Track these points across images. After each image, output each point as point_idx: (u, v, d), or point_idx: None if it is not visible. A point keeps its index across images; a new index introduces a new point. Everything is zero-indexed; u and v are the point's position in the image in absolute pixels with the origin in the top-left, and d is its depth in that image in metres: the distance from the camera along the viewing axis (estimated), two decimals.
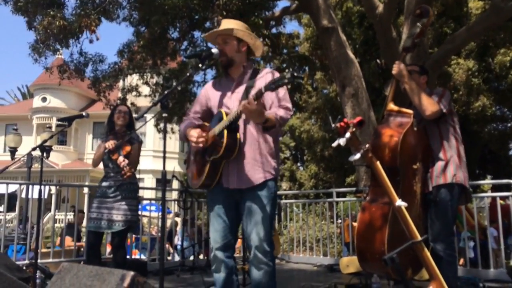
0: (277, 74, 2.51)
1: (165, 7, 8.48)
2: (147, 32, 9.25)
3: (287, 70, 2.22)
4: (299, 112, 19.48)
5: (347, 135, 2.33)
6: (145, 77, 11.32)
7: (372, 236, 2.82)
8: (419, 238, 2.46)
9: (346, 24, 14.44)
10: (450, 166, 2.98)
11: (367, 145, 2.39)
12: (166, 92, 2.36)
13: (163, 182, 2.39)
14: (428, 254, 2.51)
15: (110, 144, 3.95)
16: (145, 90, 11.66)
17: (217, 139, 2.45)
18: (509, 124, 17.77)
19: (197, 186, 2.62)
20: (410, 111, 3.03)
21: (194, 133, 2.49)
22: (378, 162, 2.48)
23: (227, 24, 2.63)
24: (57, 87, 24.69)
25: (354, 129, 2.33)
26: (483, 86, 14.46)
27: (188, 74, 2.84)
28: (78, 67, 9.72)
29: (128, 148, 3.98)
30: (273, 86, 2.17)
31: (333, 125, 2.32)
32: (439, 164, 3.00)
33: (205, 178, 2.51)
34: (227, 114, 2.46)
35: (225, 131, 2.40)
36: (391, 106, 3.14)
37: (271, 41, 11.16)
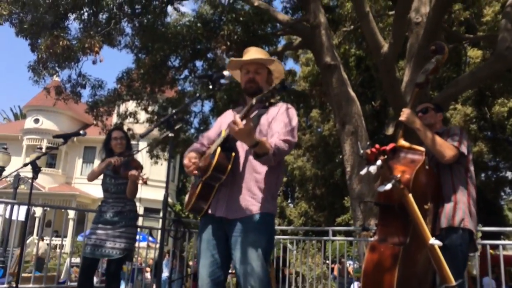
0: (290, 109, 2.40)
1: (168, 35, 8.50)
2: (148, 59, 9.24)
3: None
4: (293, 149, 19.49)
5: (379, 162, 2.13)
6: (142, 104, 11.27)
7: (380, 278, 2.65)
8: (454, 282, 2.28)
9: (343, 66, 14.62)
10: (459, 209, 2.86)
11: (399, 175, 2.22)
12: (174, 110, 2.25)
13: (164, 209, 2.21)
14: None
15: (116, 159, 3.80)
16: (142, 116, 11.58)
17: (211, 158, 2.30)
18: (501, 174, 17.81)
19: (187, 208, 2.43)
20: (422, 149, 2.91)
21: (186, 158, 2.36)
22: (410, 195, 2.28)
23: (257, 53, 2.52)
24: (50, 109, 24.51)
25: (386, 156, 2.14)
26: (478, 133, 14.54)
27: (196, 96, 2.74)
28: (75, 88, 9.64)
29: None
30: (264, 97, 2.01)
31: (361, 151, 2.14)
32: (448, 206, 2.89)
33: (195, 200, 2.34)
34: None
35: (218, 149, 2.24)
36: (402, 142, 3.03)
37: None
